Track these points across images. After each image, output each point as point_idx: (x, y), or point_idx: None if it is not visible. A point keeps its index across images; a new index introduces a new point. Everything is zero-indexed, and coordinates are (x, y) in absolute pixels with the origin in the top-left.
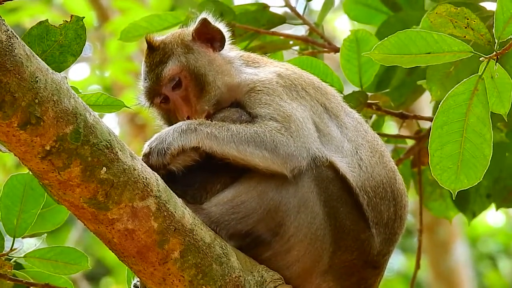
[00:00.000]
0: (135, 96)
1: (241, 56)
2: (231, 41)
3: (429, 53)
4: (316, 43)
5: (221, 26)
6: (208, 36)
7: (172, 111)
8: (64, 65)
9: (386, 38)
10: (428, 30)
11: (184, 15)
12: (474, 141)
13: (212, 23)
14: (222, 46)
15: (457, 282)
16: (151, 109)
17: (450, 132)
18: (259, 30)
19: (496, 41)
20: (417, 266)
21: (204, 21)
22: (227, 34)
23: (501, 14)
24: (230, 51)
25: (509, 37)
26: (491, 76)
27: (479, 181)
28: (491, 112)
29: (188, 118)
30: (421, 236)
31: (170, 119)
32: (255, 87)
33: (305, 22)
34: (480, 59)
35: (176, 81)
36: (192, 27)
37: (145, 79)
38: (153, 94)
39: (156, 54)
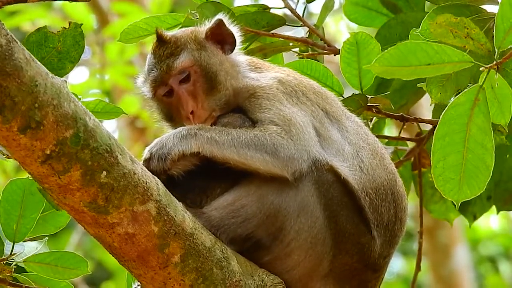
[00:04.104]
0: (136, 85)
1: (247, 61)
2: (241, 46)
3: (429, 64)
4: (316, 45)
5: (235, 30)
6: (220, 38)
7: (174, 106)
8: (63, 72)
9: (386, 50)
10: (428, 33)
11: (183, 17)
12: (476, 152)
13: (227, 26)
14: (232, 49)
15: (458, 286)
16: (151, 101)
17: (452, 143)
18: (259, 32)
19: (496, 50)
20: (418, 268)
21: (220, 22)
22: (239, 38)
23: (501, 24)
24: (239, 55)
25: (509, 47)
26: (491, 86)
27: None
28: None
29: (192, 113)
30: (422, 238)
31: (170, 114)
32: (255, 92)
33: (305, 24)
34: (481, 69)
35: (185, 75)
36: (206, 26)
37: (152, 70)
38: (159, 84)
39: (167, 47)
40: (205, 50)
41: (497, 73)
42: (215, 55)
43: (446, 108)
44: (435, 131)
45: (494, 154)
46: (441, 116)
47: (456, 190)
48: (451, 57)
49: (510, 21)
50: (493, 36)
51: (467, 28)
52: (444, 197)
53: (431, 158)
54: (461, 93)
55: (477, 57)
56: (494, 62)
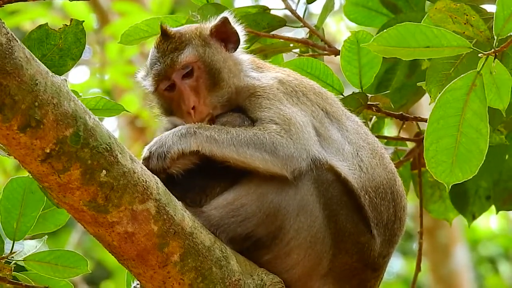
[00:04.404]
0: (137, 79)
1: (249, 60)
2: (245, 45)
3: (428, 47)
4: (316, 46)
5: (239, 28)
6: (224, 36)
7: (175, 101)
8: (64, 69)
9: (385, 30)
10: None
11: (184, 18)
12: (470, 136)
13: (232, 24)
14: (235, 48)
15: (458, 286)
16: (152, 96)
17: (446, 126)
18: (259, 33)
19: (495, 37)
20: (418, 268)
21: (225, 20)
22: (243, 37)
23: (501, 11)
24: (241, 54)
25: (508, 34)
26: (489, 72)
27: (473, 175)
28: (492, 114)
29: (194, 108)
30: (422, 238)
31: (170, 109)
32: (256, 92)
33: (305, 25)
34: (479, 55)
35: (188, 70)
36: (211, 23)
37: (155, 63)
38: (162, 78)
39: (172, 42)
40: (209, 47)
41: (495, 60)
42: (219, 52)
43: (442, 92)
44: (430, 114)
45: (488, 140)
46: (436, 100)
47: (447, 173)
48: (450, 42)
49: (510, 9)
50: (492, 25)
51: (467, 15)
52: (436, 179)
53: (424, 140)
54: (458, 78)
55: (476, 44)
56: (493, 50)
